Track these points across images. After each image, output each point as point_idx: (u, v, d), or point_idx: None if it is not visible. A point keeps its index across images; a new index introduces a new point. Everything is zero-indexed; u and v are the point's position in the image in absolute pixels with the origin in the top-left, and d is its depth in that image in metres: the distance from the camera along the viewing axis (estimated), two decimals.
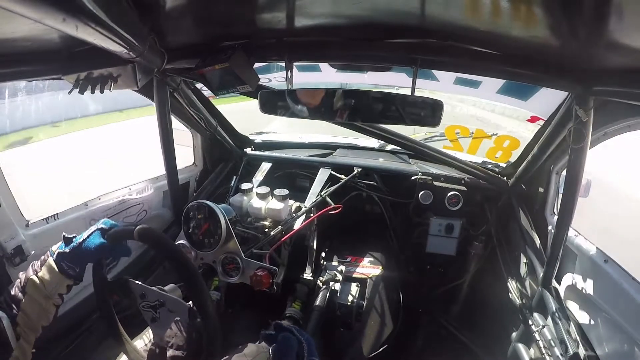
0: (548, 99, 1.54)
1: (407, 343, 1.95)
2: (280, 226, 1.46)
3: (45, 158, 5.93)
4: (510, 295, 1.67)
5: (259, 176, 1.93)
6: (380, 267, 1.74)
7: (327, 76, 2.33)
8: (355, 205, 1.98)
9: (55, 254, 0.87)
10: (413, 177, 1.95)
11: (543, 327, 1.34)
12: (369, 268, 1.73)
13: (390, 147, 2.29)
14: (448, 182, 1.95)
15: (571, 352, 1.17)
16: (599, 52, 0.85)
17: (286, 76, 1.17)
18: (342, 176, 1.90)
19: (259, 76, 1.24)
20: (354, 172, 1.93)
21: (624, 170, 3.78)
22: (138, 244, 1.12)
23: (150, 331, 1.04)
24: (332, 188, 1.76)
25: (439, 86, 2.56)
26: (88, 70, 1.08)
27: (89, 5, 0.59)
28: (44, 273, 0.86)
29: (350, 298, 1.50)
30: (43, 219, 1.37)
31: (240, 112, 2.59)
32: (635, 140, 1.29)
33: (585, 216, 1.44)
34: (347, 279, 1.61)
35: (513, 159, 1.95)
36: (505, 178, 1.90)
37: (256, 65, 1.23)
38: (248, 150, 2.21)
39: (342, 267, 1.63)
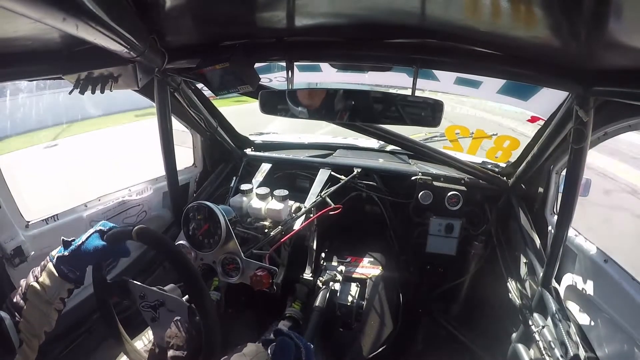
0: (548, 99, 1.54)
1: (407, 343, 1.95)
2: (280, 227, 1.47)
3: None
4: (510, 295, 1.66)
5: (258, 177, 1.93)
6: (380, 267, 1.74)
7: (327, 76, 2.34)
8: (355, 205, 1.97)
9: (54, 259, 0.87)
10: (413, 177, 1.95)
11: (543, 327, 1.34)
12: (368, 268, 1.72)
13: (390, 147, 2.29)
14: (448, 182, 1.95)
15: (571, 354, 1.17)
16: (599, 52, 0.85)
17: (287, 76, 1.16)
18: (342, 177, 1.89)
19: (260, 76, 1.23)
20: (354, 173, 1.93)
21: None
22: (137, 244, 1.12)
23: (150, 331, 1.04)
24: (332, 188, 1.76)
25: (440, 86, 2.56)
26: (89, 69, 1.08)
27: (89, 4, 0.59)
28: (44, 278, 0.86)
29: (350, 298, 1.50)
30: (43, 220, 1.36)
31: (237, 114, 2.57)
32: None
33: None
34: (347, 279, 1.61)
35: (513, 159, 1.95)
36: (505, 178, 1.90)
37: (257, 65, 1.22)
38: (248, 150, 2.21)
39: (342, 267, 1.63)
